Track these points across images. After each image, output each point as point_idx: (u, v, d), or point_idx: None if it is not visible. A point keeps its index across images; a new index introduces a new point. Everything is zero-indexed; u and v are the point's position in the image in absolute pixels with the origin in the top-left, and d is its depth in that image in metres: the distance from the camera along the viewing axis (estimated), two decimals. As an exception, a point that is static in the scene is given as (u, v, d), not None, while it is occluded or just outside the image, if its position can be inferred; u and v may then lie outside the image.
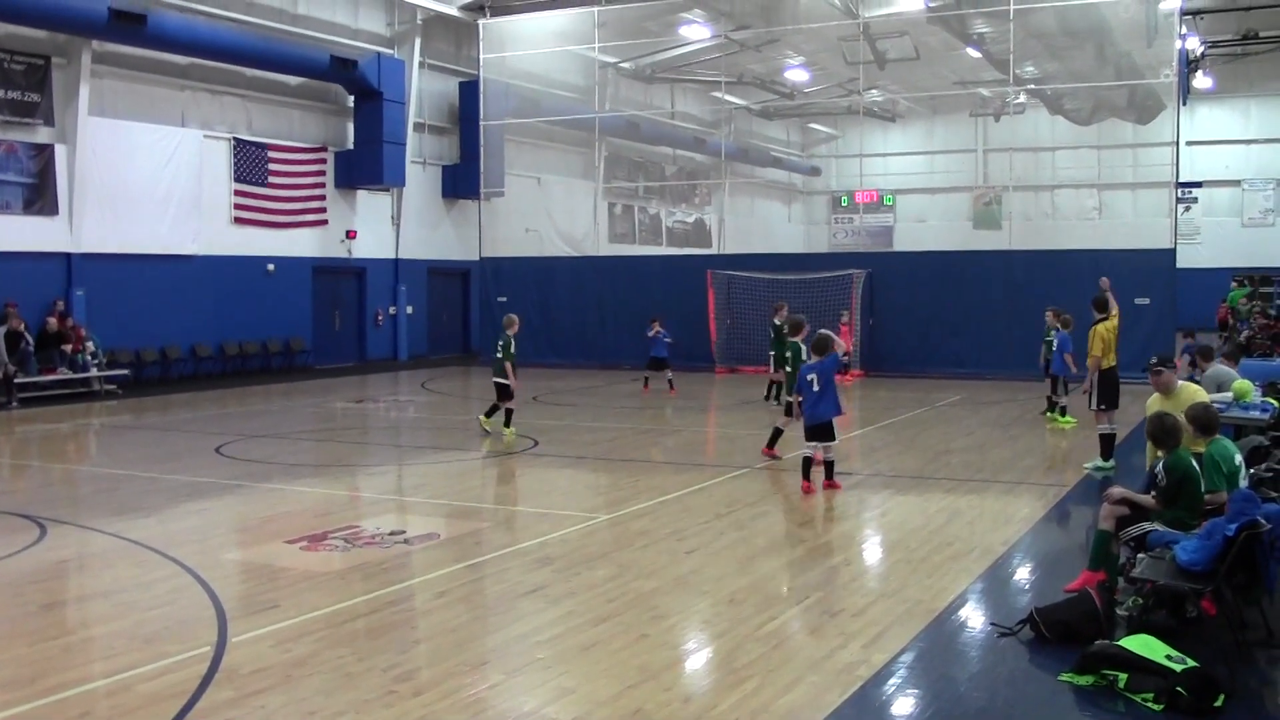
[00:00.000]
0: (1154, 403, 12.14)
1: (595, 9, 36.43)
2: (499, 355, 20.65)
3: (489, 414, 21.05)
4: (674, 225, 53.81)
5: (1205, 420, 10.22)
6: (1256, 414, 14.20)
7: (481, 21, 38.00)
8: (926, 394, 26.14)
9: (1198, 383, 13.79)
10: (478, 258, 39.10)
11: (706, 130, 51.44)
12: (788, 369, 17.18)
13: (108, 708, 7.60)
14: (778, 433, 17.61)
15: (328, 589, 10.44)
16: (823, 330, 16.42)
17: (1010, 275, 30.90)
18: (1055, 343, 21.43)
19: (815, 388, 14.94)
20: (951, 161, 59.55)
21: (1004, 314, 29.88)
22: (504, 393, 20.65)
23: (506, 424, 20.67)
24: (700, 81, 47.73)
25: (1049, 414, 22.13)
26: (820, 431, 15.11)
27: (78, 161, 28.50)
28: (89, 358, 27.92)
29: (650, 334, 28.67)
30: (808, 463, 15.31)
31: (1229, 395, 14.42)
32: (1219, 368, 15.77)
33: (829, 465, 15.31)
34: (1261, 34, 40.03)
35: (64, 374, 27.32)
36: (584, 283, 36.72)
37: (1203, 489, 9.54)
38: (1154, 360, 12.61)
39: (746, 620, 9.43)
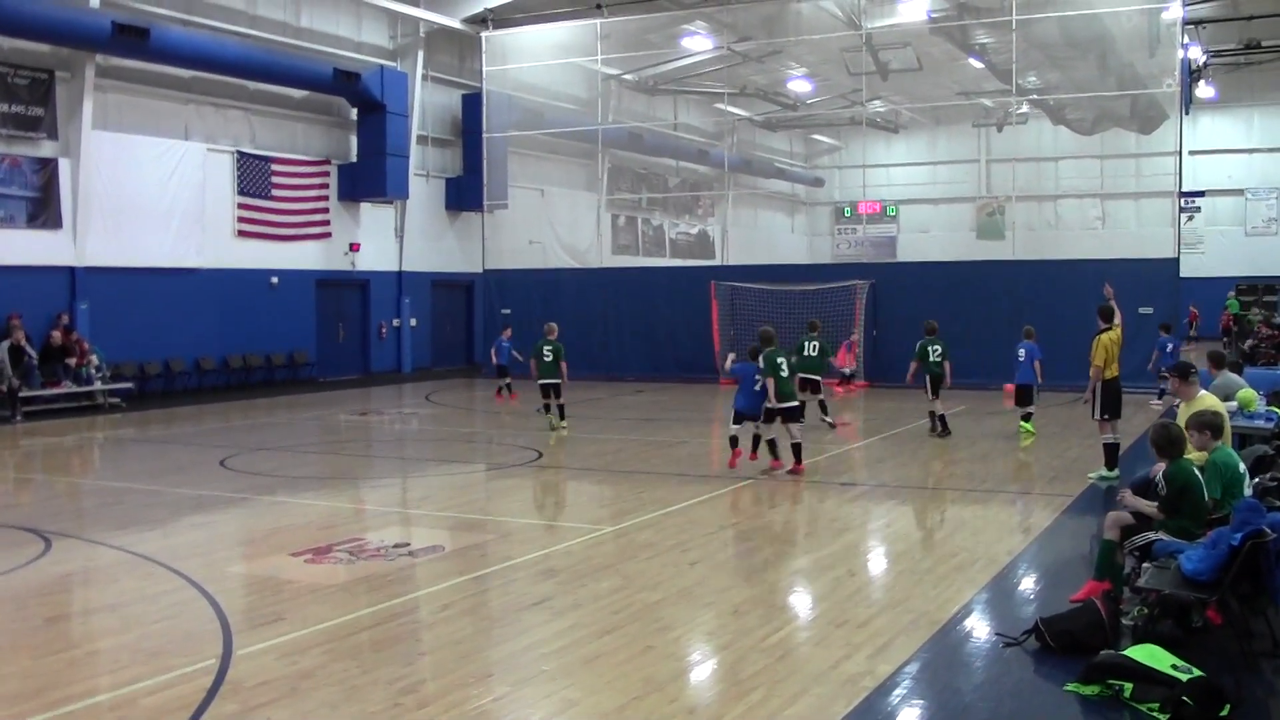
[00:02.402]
0: (1182, 410, 12.16)
1: (598, 21, 36.45)
2: (548, 359, 22.56)
3: (562, 416, 22.77)
4: (677, 237, 53.86)
5: (1211, 424, 10.22)
6: (1261, 423, 14.22)
7: (484, 34, 38.03)
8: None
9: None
10: (481, 270, 39.15)
11: (709, 142, 51.52)
12: (784, 374, 17.56)
13: (113, 721, 7.60)
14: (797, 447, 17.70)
15: (332, 602, 10.44)
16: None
17: (1014, 285, 30.87)
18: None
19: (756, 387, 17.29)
20: (954, 172, 59.50)
21: (1008, 324, 29.73)
22: (558, 391, 22.73)
23: (562, 417, 22.64)
24: (703, 93, 47.80)
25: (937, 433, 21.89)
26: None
27: (81, 175, 28.52)
28: (93, 371, 27.92)
29: (503, 342, 29.98)
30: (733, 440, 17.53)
31: (1234, 404, 14.42)
32: (1229, 376, 15.75)
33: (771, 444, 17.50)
34: (1264, 43, 39.98)
35: (68, 387, 27.30)
36: (588, 295, 36.72)
37: (1205, 497, 9.54)
38: (1182, 367, 12.64)
39: (751, 631, 9.43)
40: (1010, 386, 23.42)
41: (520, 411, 25.03)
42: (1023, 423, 21.66)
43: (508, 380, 29.55)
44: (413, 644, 9.36)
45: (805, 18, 36.75)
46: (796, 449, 17.44)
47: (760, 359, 17.49)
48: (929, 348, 21.87)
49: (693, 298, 34.86)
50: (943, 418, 21.83)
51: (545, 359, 22.69)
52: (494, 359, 30.28)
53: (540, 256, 39.68)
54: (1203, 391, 12.56)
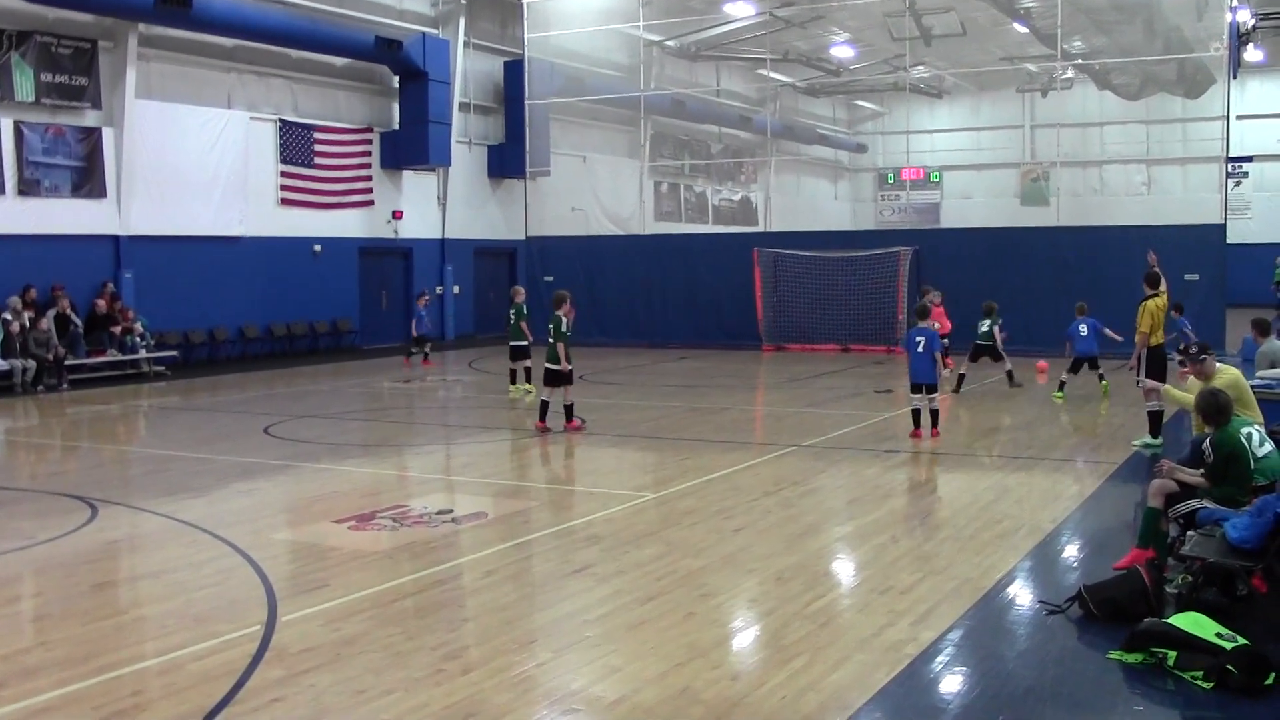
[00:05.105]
0: (1193, 385, 12.03)
1: (639, -13, 36.38)
2: (512, 322, 23.79)
3: (528, 379, 23.49)
4: (720, 203, 53.74)
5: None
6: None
7: (526, 0, 37.95)
8: (974, 371, 25.98)
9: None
10: (524, 237, 39.13)
11: (752, 108, 51.30)
12: (550, 340, 18.39)
13: (159, 686, 7.67)
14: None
15: (376, 568, 10.50)
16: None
17: (1058, 252, 30.70)
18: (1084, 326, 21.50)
19: (920, 349, 17.37)
20: (998, 138, 59.06)
21: (1052, 291, 29.63)
22: (526, 353, 23.57)
23: (528, 380, 23.44)
24: (745, 59, 47.62)
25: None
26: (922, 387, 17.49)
27: (125, 144, 28.67)
28: (137, 339, 28.10)
29: (420, 310, 31.03)
30: (915, 415, 17.69)
31: (1278, 371, 14.28)
32: (1275, 343, 15.58)
33: (934, 414, 17.66)
34: (1314, 6, 39.50)
35: (113, 356, 27.50)
36: (630, 261, 36.68)
37: (1251, 466, 9.46)
38: (1195, 349, 12.40)
39: (794, 598, 9.43)
40: (1043, 364, 25.14)
41: (632, 385, 24.96)
42: (1101, 382, 22.02)
43: (427, 348, 30.40)
44: (456, 610, 9.41)
45: (848, -18, 36.61)
46: (544, 408, 18.67)
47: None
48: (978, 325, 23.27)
49: (736, 264, 34.75)
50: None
51: (509, 322, 23.88)
52: (414, 329, 30.87)
53: (583, 223, 39.67)
54: (1220, 365, 12.35)
